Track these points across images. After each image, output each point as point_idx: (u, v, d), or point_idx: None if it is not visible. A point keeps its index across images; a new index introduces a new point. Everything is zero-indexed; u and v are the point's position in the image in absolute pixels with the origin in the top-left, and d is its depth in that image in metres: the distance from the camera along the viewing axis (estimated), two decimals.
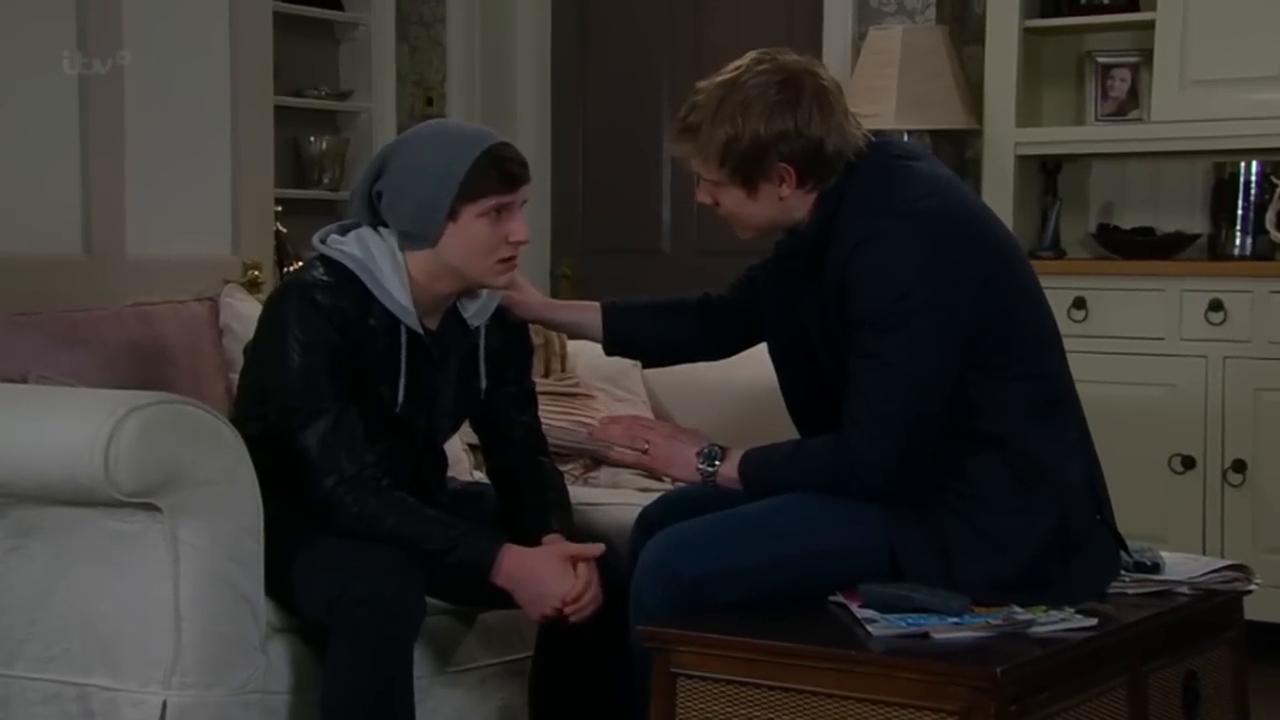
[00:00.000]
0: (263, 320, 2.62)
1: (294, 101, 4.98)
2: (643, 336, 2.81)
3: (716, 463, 2.53)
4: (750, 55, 2.50)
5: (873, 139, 2.52)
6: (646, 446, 2.58)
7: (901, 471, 2.40)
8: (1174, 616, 2.44)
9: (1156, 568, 2.56)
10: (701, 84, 2.52)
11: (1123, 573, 2.52)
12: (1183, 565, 2.60)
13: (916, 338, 2.36)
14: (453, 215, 2.54)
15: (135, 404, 2.31)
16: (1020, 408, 2.43)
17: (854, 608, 2.35)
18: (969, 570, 2.38)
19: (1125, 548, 2.54)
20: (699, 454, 2.54)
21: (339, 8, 5.26)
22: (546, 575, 2.51)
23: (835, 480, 2.43)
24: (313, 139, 5.19)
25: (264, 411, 2.58)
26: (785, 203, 2.49)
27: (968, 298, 2.39)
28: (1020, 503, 2.41)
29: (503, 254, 2.57)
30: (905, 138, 4.12)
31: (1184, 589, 2.53)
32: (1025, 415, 2.43)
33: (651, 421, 2.75)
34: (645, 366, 3.03)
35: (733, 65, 2.50)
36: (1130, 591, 2.49)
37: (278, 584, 2.47)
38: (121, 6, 3.53)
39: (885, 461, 2.39)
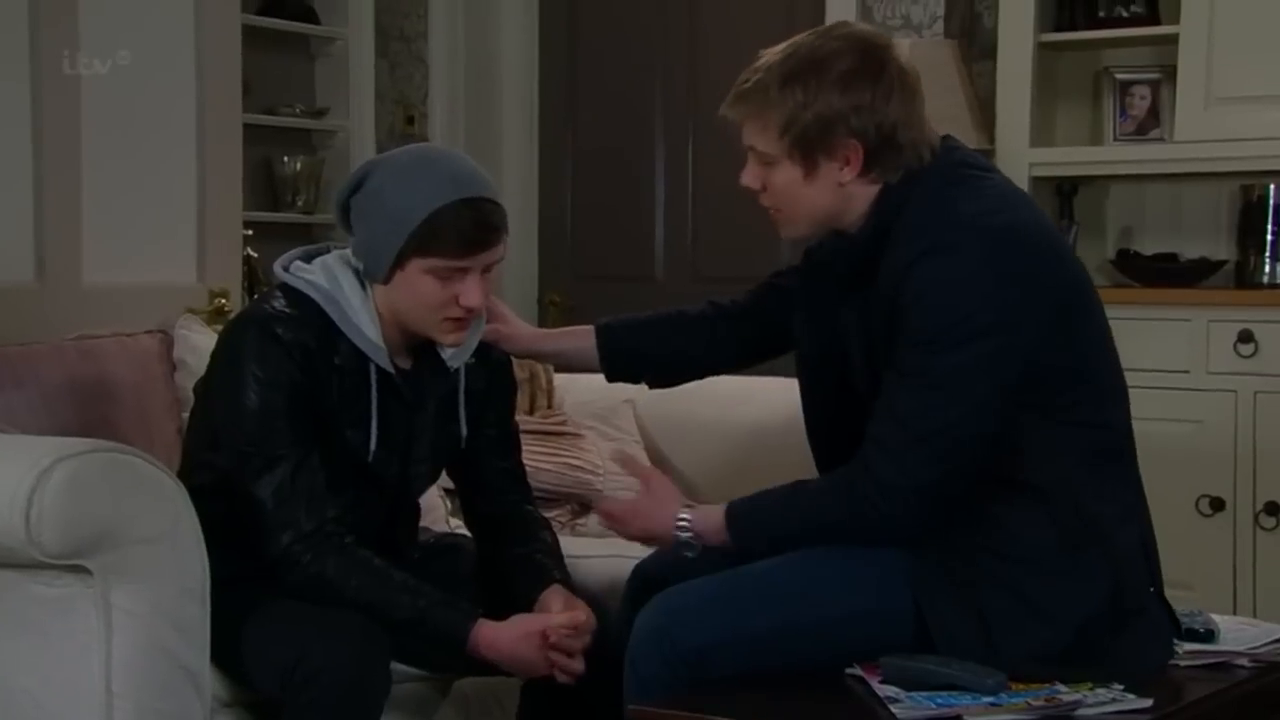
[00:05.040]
0: (216, 355, 2.41)
1: (267, 119, 4.89)
2: (646, 354, 2.58)
3: (687, 516, 2.30)
4: (829, 24, 2.26)
5: (944, 141, 2.28)
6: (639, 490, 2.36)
7: (925, 507, 2.16)
8: (1235, 694, 2.19)
9: (1211, 636, 2.32)
10: (765, 51, 2.27)
11: (1174, 642, 2.27)
12: (1238, 633, 2.36)
13: (971, 363, 2.13)
14: (400, 263, 2.31)
15: (62, 453, 2.09)
16: (1073, 457, 2.19)
17: (874, 683, 2.12)
18: (1011, 642, 2.14)
19: (1178, 626, 2.30)
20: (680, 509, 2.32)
21: (315, 21, 5.14)
22: (526, 653, 2.32)
23: (849, 512, 2.18)
24: (286, 159, 5.06)
25: (215, 458, 2.37)
26: (844, 190, 2.23)
27: (1033, 327, 2.16)
28: (1068, 567, 2.17)
29: (450, 314, 2.34)
30: None
31: (1243, 661, 2.28)
32: (1078, 467, 2.19)
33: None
34: (652, 388, 2.76)
35: (807, 32, 2.27)
36: (1184, 664, 2.26)
37: (226, 653, 2.27)
38: (79, 17, 3.38)
39: (911, 490, 2.15)
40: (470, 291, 2.32)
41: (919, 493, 2.15)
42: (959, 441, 2.14)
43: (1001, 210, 2.19)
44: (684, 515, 2.30)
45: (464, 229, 2.29)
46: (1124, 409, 2.29)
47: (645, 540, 2.40)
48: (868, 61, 2.20)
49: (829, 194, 2.24)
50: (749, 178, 2.29)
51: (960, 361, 2.12)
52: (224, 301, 3.67)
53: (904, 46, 4.28)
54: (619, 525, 2.37)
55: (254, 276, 4.15)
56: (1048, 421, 2.18)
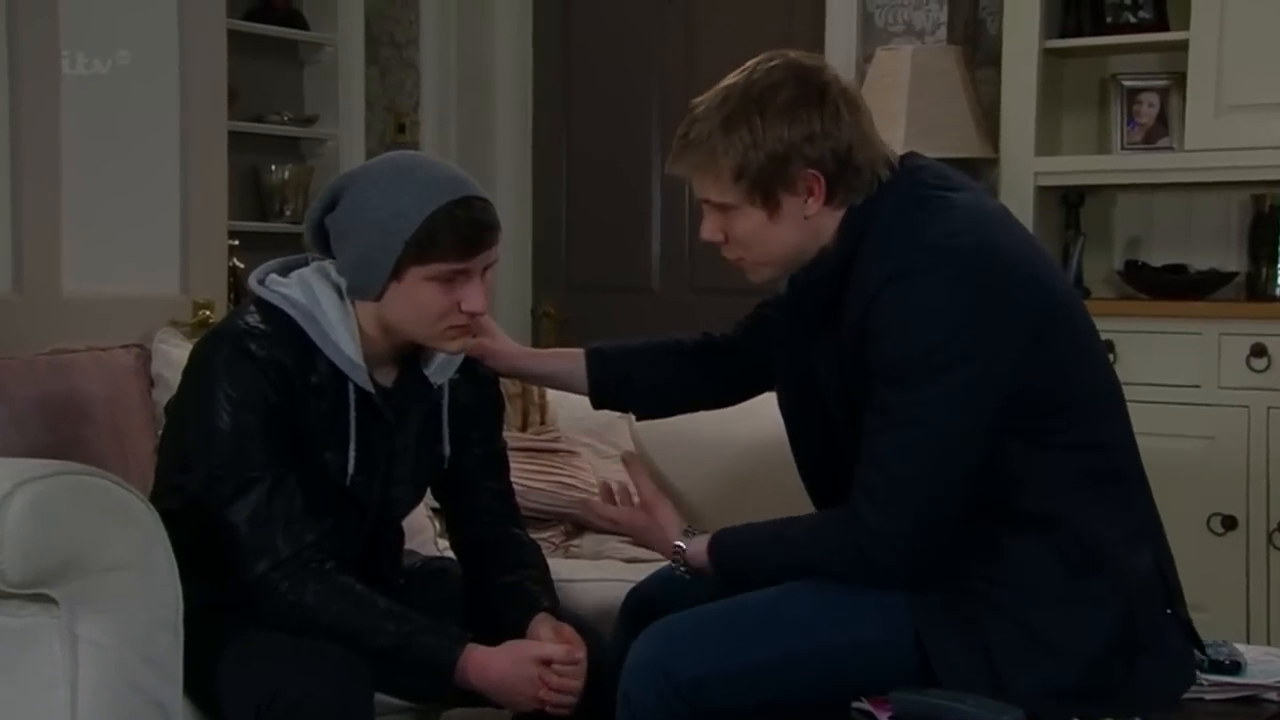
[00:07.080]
0: (187, 374, 2.32)
1: (254, 127, 4.83)
2: (635, 385, 2.50)
3: (682, 545, 2.27)
4: (756, 58, 2.18)
5: (905, 160, 2.19)
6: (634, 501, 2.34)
7: (919, 551, 2.07)
8: None
9: (1237, 667, 2.23)
10: (699, 99, 2.18)
11: (1198, 675, 2.17)
12: (1265, 664, 2.27)
13: (945, 396, 2.03)
14: (397, 274, 2.21)
15: (24, 476, 1.99)
16: (1071, 482, 2.10)
17: (883, 719, 2.02)
18: (1018, 677, 2.04)
19: (1200, 646, 2.19)
20: (682, 531, 2.30)
21: (303, 27, 5.08)
22: (518, 682, 2.22)
23: (840, 561, 2.10)
24: (274, 168, 5.00)
25: (186, 480, 2.27)
26: (812, 222, 2.15)
27: (1009, 353, 2.06)
28: (1074, 594, 2.07)
29: (454, 322, 2.26)
30: None
31: (1272, 694, 2.19)
32: (1077, 490, 2.10)
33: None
34: (640, 419, 2.69)
35: (736, 71, 2.18)
36: (1208, 698, 2.16)
37: (199, 687, 2.18)
38: (59, 20, 3.31)
39: (901, 538, 2.06)
40: (473, 295, 2.24)
41: (912, 539, 2.06)
42: (945, 480, 2.05)
43: (969, 230, 2.09)
44: (679, 544, 2.27)
45: (462, 230, 2.21)
46: (1121, 425, 2.18)
47: (643, 533, 2.38)
48: (807, 88, 2.12)
49: (796, 230, 2.15)
50: (709, 232, 2.20)
51: (935, 395, 2.03)
52: (209, 314, 3.60)
53: (907, 53, 4.25)
54: (613, 530, 2.35)
55: (240, 288, 4.08)
56: (1039, 447, 2.09)
